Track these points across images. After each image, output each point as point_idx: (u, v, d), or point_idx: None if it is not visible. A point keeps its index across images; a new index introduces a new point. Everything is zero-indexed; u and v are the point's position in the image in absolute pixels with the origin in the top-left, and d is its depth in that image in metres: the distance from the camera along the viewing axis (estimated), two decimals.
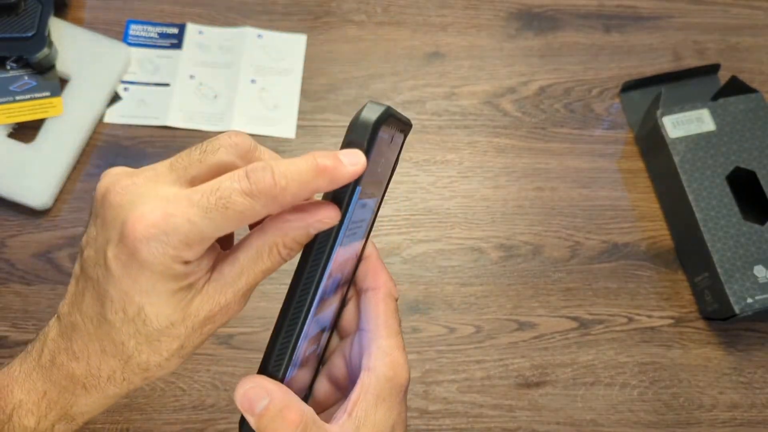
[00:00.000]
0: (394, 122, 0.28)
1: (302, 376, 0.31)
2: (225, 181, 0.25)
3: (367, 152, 0.25)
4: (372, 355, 0.30)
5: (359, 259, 0.33)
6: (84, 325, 0.27)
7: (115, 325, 0.26)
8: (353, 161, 0.25)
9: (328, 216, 0.26)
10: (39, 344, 0.29)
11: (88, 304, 0.27)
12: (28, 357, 0.29)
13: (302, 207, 0.26)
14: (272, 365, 0.28)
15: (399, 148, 0.31)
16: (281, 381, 0.28)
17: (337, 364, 0.33)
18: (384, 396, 0.29)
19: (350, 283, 0.33)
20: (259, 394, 0.27)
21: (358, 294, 0.33)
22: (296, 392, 0.29)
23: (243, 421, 0.27)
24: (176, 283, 0.26)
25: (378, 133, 0.26)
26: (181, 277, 0.26)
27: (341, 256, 0.29)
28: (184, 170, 0.26)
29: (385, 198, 0.32)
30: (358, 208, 0.28)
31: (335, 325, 0.33)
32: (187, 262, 0.25)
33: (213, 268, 0.27)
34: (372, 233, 0.33)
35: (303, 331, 0.28)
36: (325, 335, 0.32)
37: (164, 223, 0.24)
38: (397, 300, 0.33)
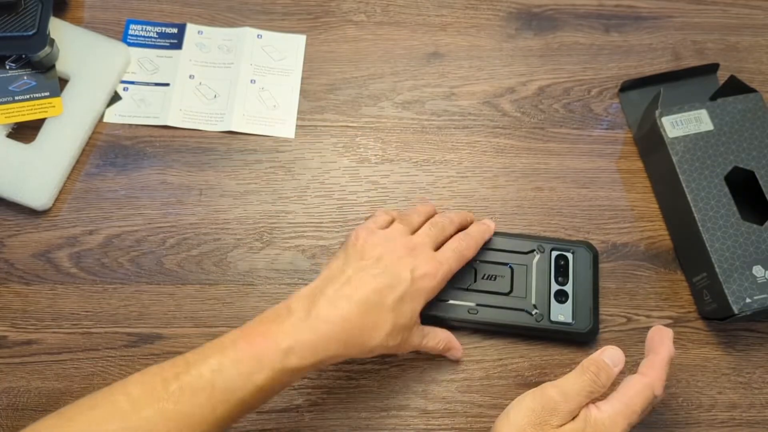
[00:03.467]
0: None
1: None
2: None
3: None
4: (606, 404, 0.42)
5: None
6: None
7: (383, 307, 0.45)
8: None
9: None
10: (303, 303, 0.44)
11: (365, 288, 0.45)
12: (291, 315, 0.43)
13: None
14: None
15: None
16: None
17: None
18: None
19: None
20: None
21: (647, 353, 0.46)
22: None
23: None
24: (410, 320, 0.47)
25: None
26: (412, 317, 0.47)
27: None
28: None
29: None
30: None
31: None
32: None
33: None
34: None
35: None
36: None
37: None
38: (656, 397, 0.43)
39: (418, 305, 0.47)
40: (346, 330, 0.43)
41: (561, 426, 0.41)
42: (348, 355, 0.44)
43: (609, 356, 0.44)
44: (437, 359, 0.53)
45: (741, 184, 0.56)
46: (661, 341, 0.45)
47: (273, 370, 0.40)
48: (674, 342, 0.55)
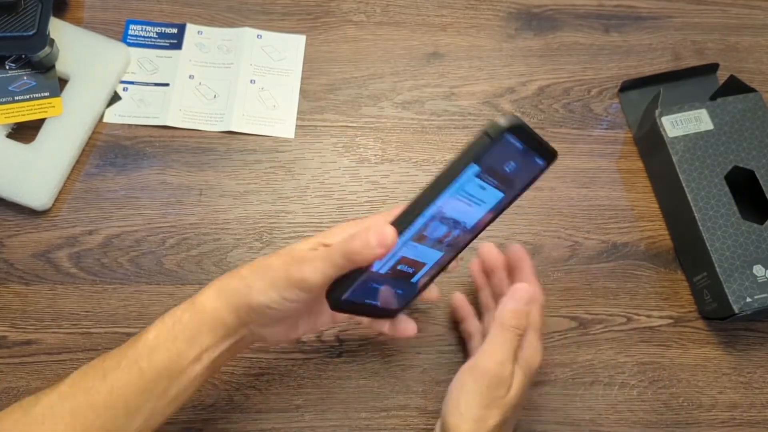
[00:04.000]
0: (528, 139, 0.35)
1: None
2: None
3: (491, 143, 0.33)
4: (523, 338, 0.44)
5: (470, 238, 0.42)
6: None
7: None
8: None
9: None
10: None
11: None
12: None
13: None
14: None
15: (535, 173, 0.39)
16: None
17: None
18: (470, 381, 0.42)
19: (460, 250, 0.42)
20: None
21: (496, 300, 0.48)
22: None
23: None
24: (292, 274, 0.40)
25: (504, 135, 0.33)
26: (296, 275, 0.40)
27: (451, 208, 0.37)
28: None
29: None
30: (476, 186, 0.36)
31: (442, 269, 0.43)
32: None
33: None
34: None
35: (406, 235, 0.36)
36: (425, 268, 0.42)
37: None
38: (520, 335, 0.43)
39: (291, 262, 0.39)
40: (222, 281, 0.41)
41: (509, 393, 0.41)
42: (235, 306, 0.40)
43: (520, 299, 0.44)
44: (437, 359, 0.53)
45: (741, 183, 0.56)
46: (521, 257, 0.48)
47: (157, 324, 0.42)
48: (675, 342, 0.55)
